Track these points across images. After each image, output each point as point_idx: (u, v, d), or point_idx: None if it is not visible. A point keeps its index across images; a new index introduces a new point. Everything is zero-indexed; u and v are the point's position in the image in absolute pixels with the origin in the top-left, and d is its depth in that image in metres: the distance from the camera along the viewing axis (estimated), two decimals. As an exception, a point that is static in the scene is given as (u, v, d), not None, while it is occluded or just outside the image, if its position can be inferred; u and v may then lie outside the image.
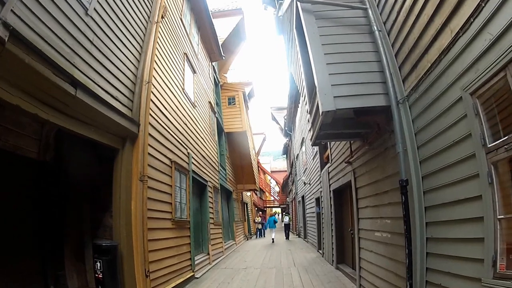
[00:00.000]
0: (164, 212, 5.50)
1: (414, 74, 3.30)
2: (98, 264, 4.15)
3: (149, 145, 5.14)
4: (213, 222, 9.31)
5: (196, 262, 7.16)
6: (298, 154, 16.76)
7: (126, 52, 4.88)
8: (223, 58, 13.52)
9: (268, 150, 47.58)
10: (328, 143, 7.72)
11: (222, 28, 14.59)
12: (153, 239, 4.96)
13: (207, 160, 9.52)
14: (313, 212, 11.70)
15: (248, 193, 20.52)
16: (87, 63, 3.65)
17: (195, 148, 8.19)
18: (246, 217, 19.88)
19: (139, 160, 4.83)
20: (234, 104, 15.37)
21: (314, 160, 10.66)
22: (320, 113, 3.71)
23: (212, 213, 9.38)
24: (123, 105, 4.66)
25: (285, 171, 35.11)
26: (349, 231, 6.38)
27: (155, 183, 5.26)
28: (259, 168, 32.60)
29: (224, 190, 13.21)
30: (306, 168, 13.46)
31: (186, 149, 7.32)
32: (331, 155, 7.59)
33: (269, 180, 42.28)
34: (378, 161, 4.30)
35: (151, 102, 5.43)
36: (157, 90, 5.89)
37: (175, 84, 7.14)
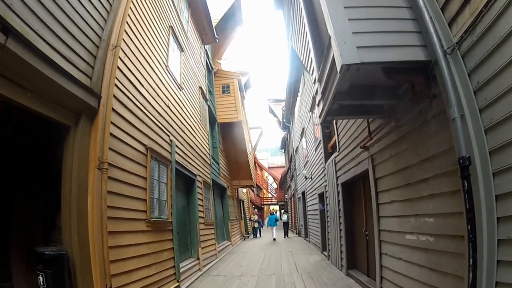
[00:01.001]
0: (135, 211, 4.44)
1: (467, 10, 2.33)
2: (41, 278, 3.16)
3: (113, 123, 4.09)
4: (203, 222, 8.27)
5: (182, 270, 6.12)
6: (297, 147, 15.75)
7: (88, 7, 3.90)
8: (217, 40, 12.49)
9: (265, 147, 46.66)
10: (335, 127, 6.70)
11: (216, 9, 13.53)
12: (118, 246, 3.91)
13: (196, 152, 8.46)
14: (315, 210, 10.70)
15: (244, 190, 19.46)
16: (29, 8, 2.78)
17: (181, 136, 7.13)
18: (243, 215, 18.87)
19: (98, 142, 3.78)
20: (229, 92, 14.30)
21: (317, 151, 9.64)
22: (338, 70, 2.70)
23: (202, 211, 8.34)
24: (80, 71, 3.65)
25: (283, 167, 34.17)
26: (363, 232, 5.37)
27: (122, 174, 4.20)
28: (256, 164, 31.60)
29: (218, 186, 12.17)
30: (307, 161, 12.45)
31: (168, 136, 6.26)
32: (338, 142, 6.56)
33: (267, 177, 41.32)
34: (412, 139, 3.29)
35: (118, 71, 4.41)
36: (129, 59, 4.83)
37: (156, 58, 6.09)
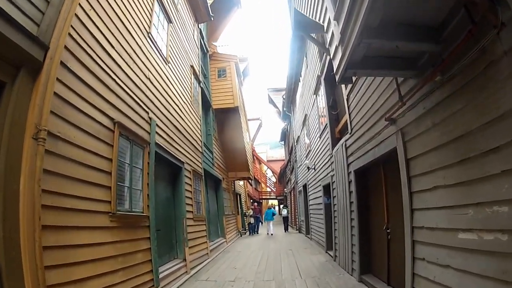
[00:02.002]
0: (92, 201, 3.44)
1: None
2: None
3: (62, 83, 3.13)
4: (192, 217, 7.28)
5: (163, 274, 5.15)
6: (298, 137, 14.77)
7: None
8: (212, 19, 11.47)
9: (264, 141, 45.74)
10: (346, 106, 5.70)
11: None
12: (64, 246, 2.94)
13: (184, 136, 7.45)
14: (319, 204, 9.73)
15: (241, 182, 18.43)
16: None
17: (164, 116, 6.11)
18: (240, 210, 17.91)
19: (38, 104, 2.78)
20: (225, 76, 13.25)
21: (322, 138, 8.64)
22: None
23: (191, 205, 7.35)
24: (25, 15, 2.69)
25: (283, 160, 33.23)
26: (383, 230, 4.39)
27: (73, 151, 3.20)
28: (255, 157, 30.66)
29: (211, 178, 11.18)
30: (309, 151, 11.47)
31: (147, 113, 5.24)
32: (350, 123, 5.56)
33: (265, 171, 40.42)
34: (470, 94, 2.33)
35: (78, 21, 3.50)
36: (96, 13, 3.94)
37: (135, 21, 5.18)
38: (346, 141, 5.90)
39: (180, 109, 7.25)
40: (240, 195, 19.22)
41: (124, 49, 4.69)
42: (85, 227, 3.31)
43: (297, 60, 12.79)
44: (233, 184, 15.87)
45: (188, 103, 8.13)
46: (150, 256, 4.72)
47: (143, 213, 4.60)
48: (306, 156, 12.21)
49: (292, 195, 20.55)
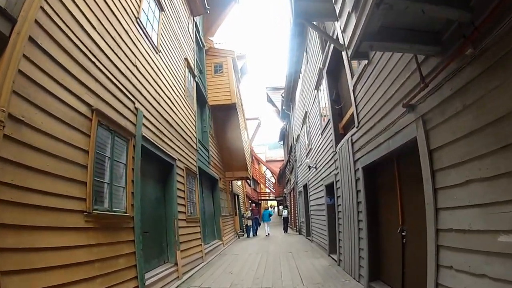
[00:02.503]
0: (62, 198, 2.98)
1: None
2: None
3: (30, 60, 2.74)
4: (185, 218, 6.81)
5: (150, 281, 4.69)
6: (298, 135, 14.34)
7: None
8: (208, 12, 11.07)
9: (263, 141, 45.42)
10: (353, 97, 5.26)
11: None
12: (26, 249, 2.49)
13: (176, 131, 6.99)
14: (321, 204, 9.29)
15: (238, 182, 17.93)
16: None
17: (153, 107, 5.65)
18: (238, 211, 17.44)
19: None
20: (222, 72, 12.80)
21: (324, 136, 8.21)
22: None
23: (184, 205, 6.88)
24: None
25: (282, 160, 32.78)
26: (397, 232, 3.94)
27: (41, 139, 2.75)
28: (253, 157, 30.24)
29: (207, 177, 10.72)
30: (310, 149, 11.03)
31: (133, 102, 4.79)
32: (357, 115, 5.12)
33: (264, 171, 39.97)
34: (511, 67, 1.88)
35: None
36: None
37: (120, 1, 4.72)
38: (352, 136, 5.46)
39: (172, 102, 6.80)
40: (238, 195, 18.75)
41: (108, 31, 4.26)
42: (54, 227, 2.86)
43: (297, 57, 12.39)
44: (230, 184, 15.41)
45: (181, 97, 7.68)
46: (134, 261, 4.26)
47: (126, 213, 4.13)
48: (307, 155, 11.78)
49: (292, 196, 20.09)
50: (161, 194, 6.10)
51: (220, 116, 12.95)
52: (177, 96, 7.33)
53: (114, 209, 3.86)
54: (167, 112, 6.40)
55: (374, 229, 4.78)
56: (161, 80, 6.24)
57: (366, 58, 3.61)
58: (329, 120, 7.39)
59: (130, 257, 4.17)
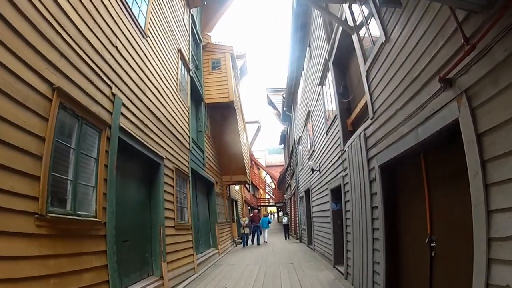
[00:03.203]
0: (7, 195, 2.30)
1: None
2: None
3: None
4: (173, 225, 6.09)
5: (128, 298, 3.98)
6: (300, 137, 13.68)
7: None
8: (205, 3, 10.54)
9: (263, 146, 44.82)
10: (366, 84, 4.59)
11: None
12: None
13: (165, 126, 6.31)
14: (325, 210, 8.59)
15: (236, 187, 17.18)
16: None
17: (136, 95, 4.98)
18: (236, 217, 16.68)
19: None
20: (219, 68, 12.18)
21: (329, 134, 7.55)
22: None
23: (173, 210, 6.17)
24: None
25: (282, 165, 32.11)
26: (424, 243, 3.25)
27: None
28: (253, 162, 29.57)
29: (201, 180, 10.03)
30: (313, 151, 10.35)
31: (110, 87, 4.11)
32: (372, 105, 4.45)
33: (264, 177, 39.26)
34: None
35: None
36: None
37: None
38: (365, 130, 4.79)
39: (160, 93, 6.14)
40: (236, 201, 18.03)
41: (82, 2, 3.61)
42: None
43: (299, 52, 11.85)
44: (228, 189, 14.69)
45: (172, 90, 7.02)
46: (106, 275, 3.55)
47: (95, 218, 3.43)
48: (309, 158, 11.09)
49: (292, 202, 19.35)
50: (145, 197, 5.40)
51: (217, 116, 12.29)
52: (168, 88, 6.67)
53: (78, 212, 3.17)
54: (154, 104, 5.74)
55: (393, 239, 4.08)
56: (148, 68, 5.59)
57: (399, 6, 2.97)
58: (335, 116, 6.73)
59: (100, 272, 3.46)
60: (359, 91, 5.50)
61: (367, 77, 4.58)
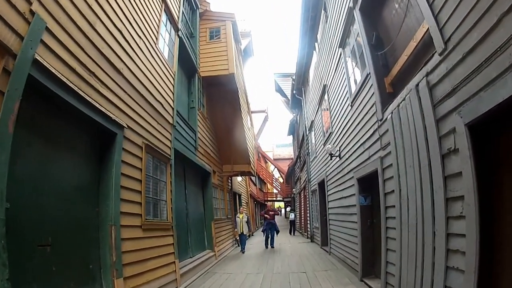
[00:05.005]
0: None
1: None
2: None
3: None
4: (138, 223, 4.34)
5: None
6: (313, 121, 11.90)
7: None
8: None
9: (270, 139, 43.04)
10: (428, 5, 2.78)
11: None
12: None
13: (131, 85, 4.55)
14: (348, 206, 6.80)
15: (239, 178, 15.36)
16: None
17: (76, 25, 3.21)
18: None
19: None
20: (219, 38, 10.41)
21: (356, 106, 5.79)
22: None
23: (139, 203, 4.42)
24: None
25: (291, 158, 30.35)
26: None
27: None
28: (260, 154, 27.87)
29: (193, 168, 8.33)
30: (329, 134, 8.57)
31: (29, 2, 2.40)
32: (441, 30, 2.65)
33: (272, 171, 37.58)
34: None
35: None
36: None
37: None
38: (428, 75, 3.00)
39: (124, 36, 4.39)
40: (240, 195, 16.33)
41: None
42: None
43: (312, 20, 10.12)
44: (229, 180, 12.98)
45: (147, 41, 5.28)
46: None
47: None
48: (325, 143, 9.31)
49: (302, 196, 17.56)
50: (89, 182, 3.67)
51: (215, 94, 10.54)
52: (139, 37, 4.93)
53: None
54: (111, 48, 3.99)
55: (489, 252, 2.30)
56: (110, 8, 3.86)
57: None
58: (367, 75, 4.95)
59: None
60: (401, 37, 3.75)
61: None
